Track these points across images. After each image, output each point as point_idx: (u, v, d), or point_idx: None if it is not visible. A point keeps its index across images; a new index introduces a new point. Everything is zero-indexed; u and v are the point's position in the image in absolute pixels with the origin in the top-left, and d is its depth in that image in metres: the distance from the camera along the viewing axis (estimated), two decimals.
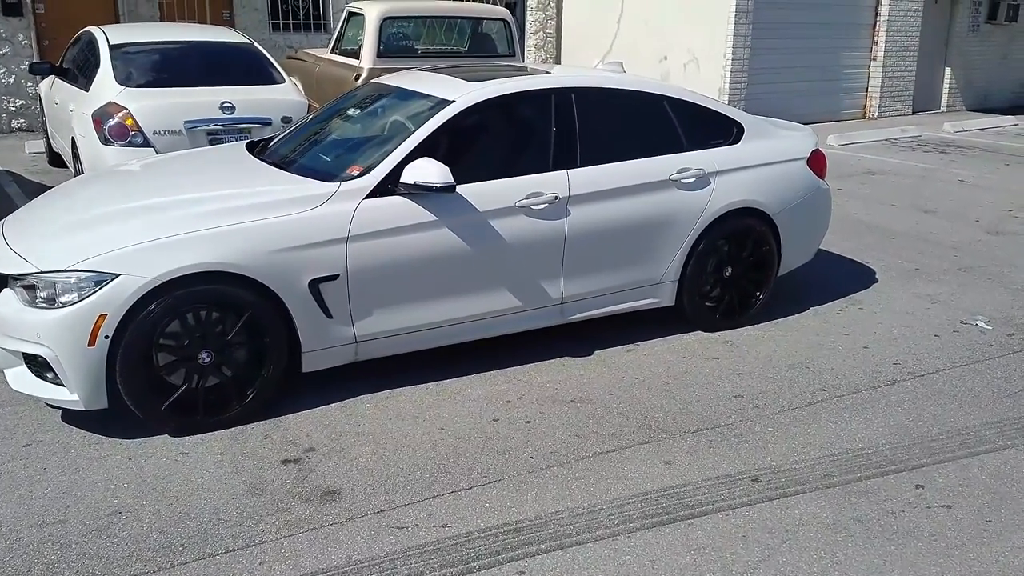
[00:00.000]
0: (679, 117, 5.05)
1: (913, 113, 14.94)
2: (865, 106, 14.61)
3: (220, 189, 4.17)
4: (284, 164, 4.54)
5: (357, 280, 4.03)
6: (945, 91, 15.84)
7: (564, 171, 4.60)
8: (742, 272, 5.26)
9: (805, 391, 4.48)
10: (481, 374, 4.59)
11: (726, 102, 12.51)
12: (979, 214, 8.25)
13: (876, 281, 6.23)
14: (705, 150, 5.07)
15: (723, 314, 5.25)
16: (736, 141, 5.22)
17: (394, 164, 4.15)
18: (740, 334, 5.22)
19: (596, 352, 4.92)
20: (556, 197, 4.50)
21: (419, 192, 4.08)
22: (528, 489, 3.54)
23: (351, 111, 5.04)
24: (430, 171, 4.04)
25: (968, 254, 6.94)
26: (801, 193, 5.34)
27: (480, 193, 4.33)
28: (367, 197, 4.08)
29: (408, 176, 4.07)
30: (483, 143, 4.69)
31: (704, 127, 5.16)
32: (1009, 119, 14.67)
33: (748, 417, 4.18)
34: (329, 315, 4.01)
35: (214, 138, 6.58)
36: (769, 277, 5.34)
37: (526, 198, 4.44)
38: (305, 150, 4.78)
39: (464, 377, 4.54)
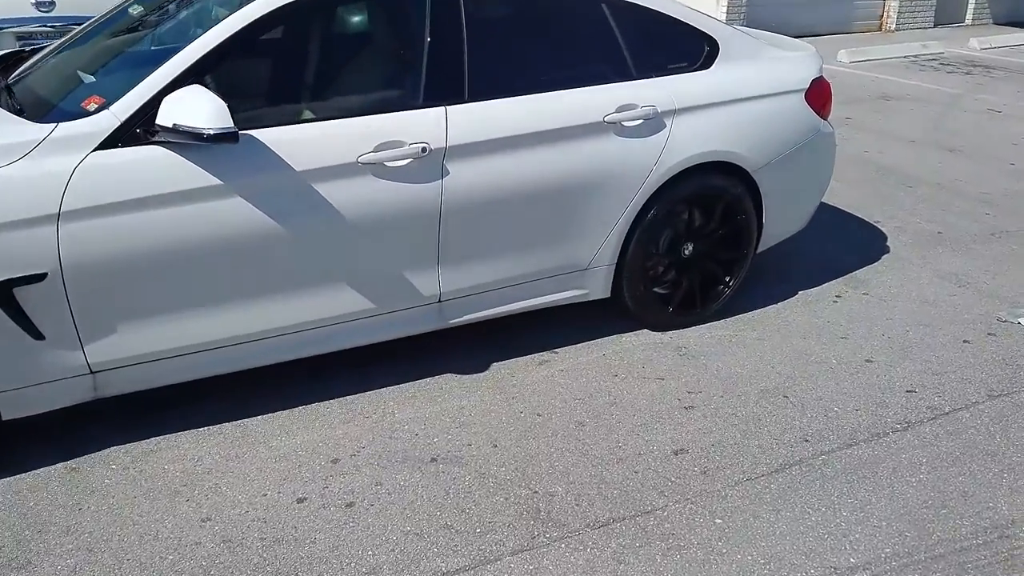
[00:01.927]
0: (624, 28, 3.51)
1: (935, 26, 13.15)
2: (882, 17, 12.80)
3: None
4: (4, 91, 3.02)
5: (80, 280, 2.58)
6: (971, 1, 13.97)
7: (441, 108, 3.09)
8: (707, 250, 3.81)
9: (779, 442, 3.09)
10: (313, 405, 3.19)
11: (723, 13, 10.77)
12: (1014, 155, 6.72)
13: (887, 251, 4.77)
14: (661, 78, 3.54)
15: (679, 307, 3.82)
16: (706, 65, 3.68)
17: (147, 96, 2.63)
18: (700, 336, 3.80)
19: (494, 365, 3.51)
20: (426, 149, 3.01)
21: (186, 141, 2.59)
22: None
23: (137, 9, 3.47)
24: (197, 107, 2.54)
25: (1003, 211, 5.46)
26: (794, 139, 3.83)
27: (297, 143, 2.84)
28: (99, 148, 2.58)
29: (167, 115, 2.57)
30: (307, 65, 3.15)
31: (661, 45, 3.62)
32: None
33: (689, 495, 2.80)
34: (38, 335, 2.58)
35: (27, 42, 4.99)
36: (744, 256, 3.89)
37: (375, 150, 2.95)
38: (44, 68, 3.24)
39: (284, 412, 3.15)
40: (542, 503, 2.73)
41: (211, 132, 2.51)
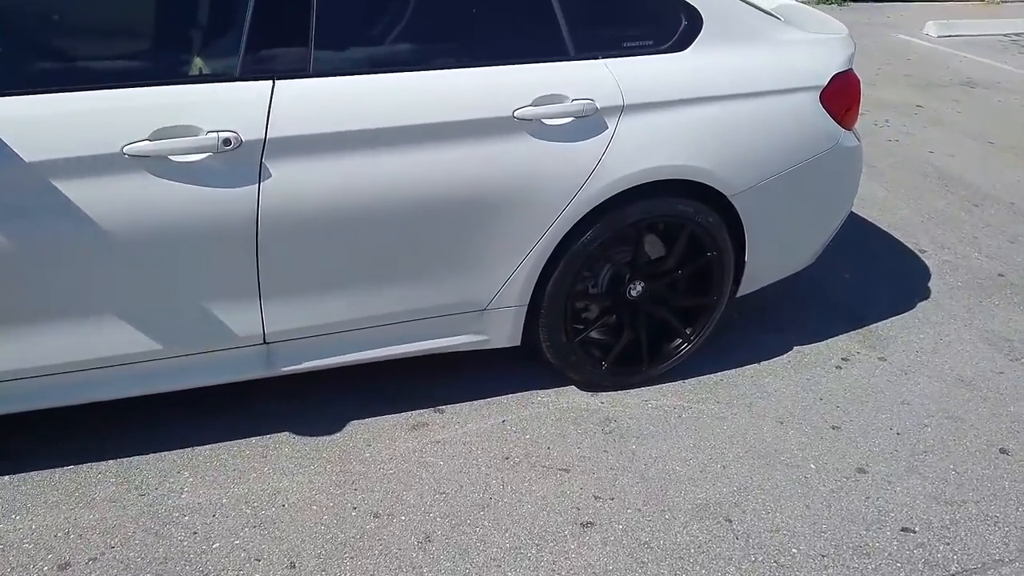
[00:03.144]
0: None
1: None
2: None
3: None
4: None
5: None
6: None
7: (265, 83, 2.19)
8: (662, 293, 2.87)
9: None
10: (85, 467, 2.39)
11: None
12: None
13: (925, 295, 3.72)
14: (609, 60, 2.56)
15: (617, 364, 2.89)
16: (680, 45, 2.67)
17: None
18: (640, 405, 2.87)
19: (352, 425, 2.66)
20: (230, 140, 2.12)
21: None
22: None
23: None
24: None
25: None
26: (797, 154, 2.82)
27: (30, 123, 1.98)
28: None
29: None
30: (61, 19, 2.23)
31: (615, 13, 2.63)
32: None
33: None
34: None
35: None
36: (713, 304, 2.93)
37: (151, 138, 2.07)
38: None
39: (35, 476, 2.35)
40: None
41: None
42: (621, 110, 2.53)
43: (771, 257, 3.00)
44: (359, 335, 2.53)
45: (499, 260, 2.56)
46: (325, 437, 2.61)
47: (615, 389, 2.92)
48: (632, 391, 2.93)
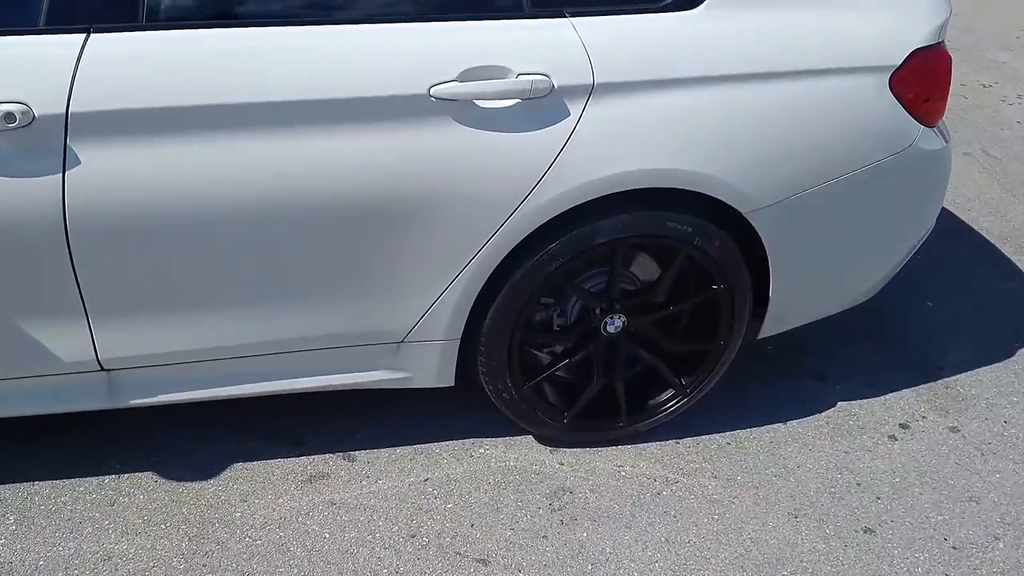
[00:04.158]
0: None
1: None
2: None
3: None
4: None
5: None
6: None
7: (73, 37, 1.61)
8: (650, 332, 2.19)
9: None
10: None
11: None
12: None
13: None
14: (579, 18, 1.86)
15: (585, 416, 2.24)
16: (687, 2, 1.93)
17: None
18: (609, 472, 2.22)
19: (234, 469, 2.13)
20: (16, 116, 1.56)
21: None
22: None
23: None
24: None
25: None
26: (853, 160, 2.04)
27: None
28: None
29: None
30: None
31: None
32: None
33: None
34: None
35: None
36: (717, 351, 2.23)
37: None
38: None
39: None
40: None
41: None
42: (590, 90, 1.84)
43: (806, 293, 2.26)
44: (236, 365, 1.98)
45: (415, 284, 1.94)
46: (193, 484, 2.08)
47: (587, 445, 2.28)
48: (605, 449, 2.28)
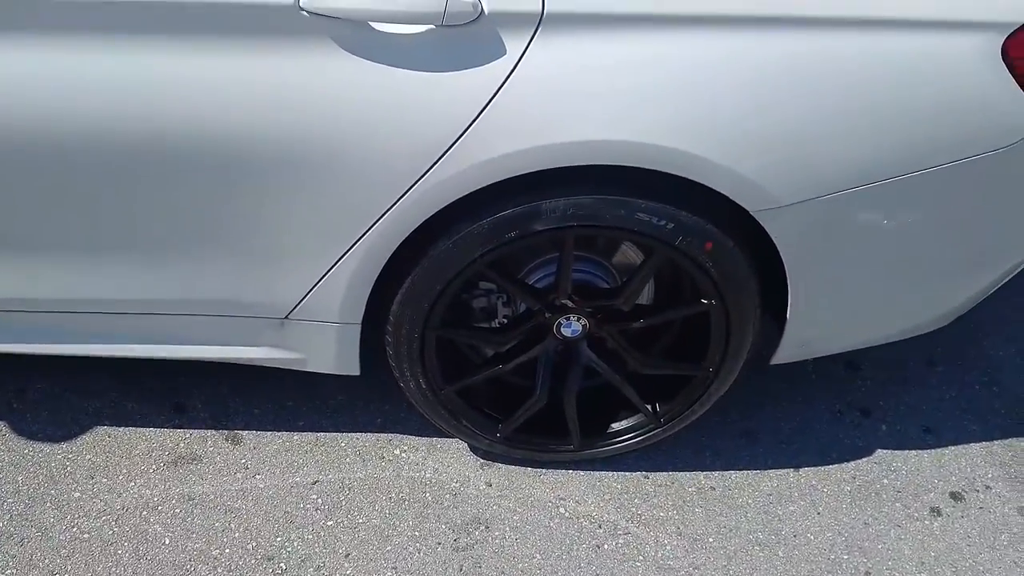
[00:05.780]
0: None
1: None
2: None
3: None
4: None
5: None
6: None
7: None
8: (617, 343, 1.67)
9: None
10: None
11: None
12: None
13: None
14: None
15: (526, 431, 1.77)
16: None
17: None
18: (546, 505, 1.76)
19: (87, 438, 1.78)
20: None
21: None
22: None
23: None
24: None
25: None
26: (939, 149, 1.40)
27: None
28: None
29: None
30: None
31: None
32: None
33: None
34: None
35: None
36: (705, 380, 1.69)
37: None
38: None
39: None
40: None
41: None
42: (538, 21, 1.27)
43: (848, 316, 1.68)
44: (104, 321, 1.60)
45: (293, 253, 1.49)
46: (43, 446, 1.75)
47: (534, 463, 1.83)
48: (551, 473, 1.82)
